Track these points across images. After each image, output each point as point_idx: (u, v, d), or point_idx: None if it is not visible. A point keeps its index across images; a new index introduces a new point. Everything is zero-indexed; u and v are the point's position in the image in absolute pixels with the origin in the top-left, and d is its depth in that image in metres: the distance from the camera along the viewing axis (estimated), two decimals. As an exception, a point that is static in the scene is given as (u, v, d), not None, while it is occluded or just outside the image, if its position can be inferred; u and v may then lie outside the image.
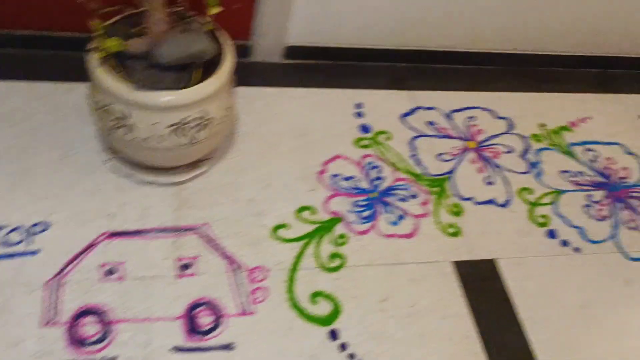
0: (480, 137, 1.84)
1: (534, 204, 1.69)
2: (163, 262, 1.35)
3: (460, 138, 1.82)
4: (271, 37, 1.83)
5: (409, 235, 1.54)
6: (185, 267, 1.35)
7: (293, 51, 1.89)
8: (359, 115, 1.81)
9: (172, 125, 1.28)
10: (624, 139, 1.95)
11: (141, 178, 1.46)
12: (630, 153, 1.91)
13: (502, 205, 1.67)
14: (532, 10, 1.93)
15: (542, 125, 1.92)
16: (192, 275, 1.34)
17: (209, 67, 1.31)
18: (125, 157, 1.46)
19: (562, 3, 1.92)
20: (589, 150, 1.89)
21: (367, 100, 1.86)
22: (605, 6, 1.96)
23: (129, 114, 1.27)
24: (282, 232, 1.47)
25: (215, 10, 1.28)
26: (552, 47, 2.07)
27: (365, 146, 1.73)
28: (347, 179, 1.63)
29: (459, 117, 1.89)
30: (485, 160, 1.78)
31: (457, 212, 1.62)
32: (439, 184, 1.68)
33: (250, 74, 1.84)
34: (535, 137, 1.89)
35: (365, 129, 1.77)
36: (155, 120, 1.27)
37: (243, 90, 1.75)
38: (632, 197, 1.78)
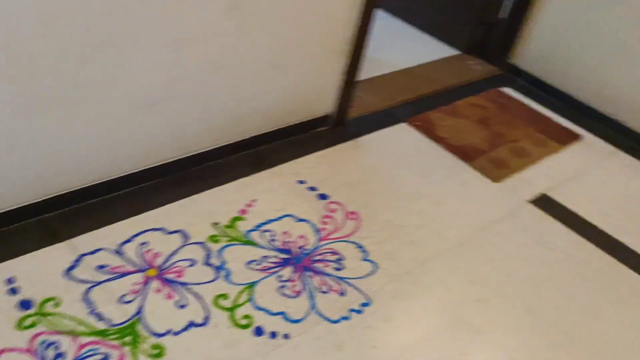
0: (159, 261, 1.74)
1: (232, 309, 1.65)
2: None
3: (138, 270, 1.70)
4: None
5: (112, 408, 1.35)
6: None
7: None
8: (14, 291, 1.56)
9: None
10: (291, 208, 2.05)
11: None
12: (301, 220, 2.01)
13: (203, 324, 1.59)
14: (162, 120, 1.92)
15: (216, 224, 1.92)
16: None
17: None
18: None
19: (190, 104, 1.96)
20: (265, 231, 1.94)
21: (20, 270, 1.62)
22: (230, 94, 2.06)
23: None
24: None
25: None
26: (197, 146, 2.10)
27: (32, 325, 1.49)
28: (19, 374, 1.37)
29: (131, 248, 1.76)
30: (171, 283, 1.68)
31: (158, 354, 1.49)
32: (129, 331, 1.53)
33: None
34: (213, 238, 1.86)
35: (25, 304, 1.53)
36: None
37: None
38: (315, 261, 1.86)
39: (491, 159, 2.53)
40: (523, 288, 1.94)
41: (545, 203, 2.34)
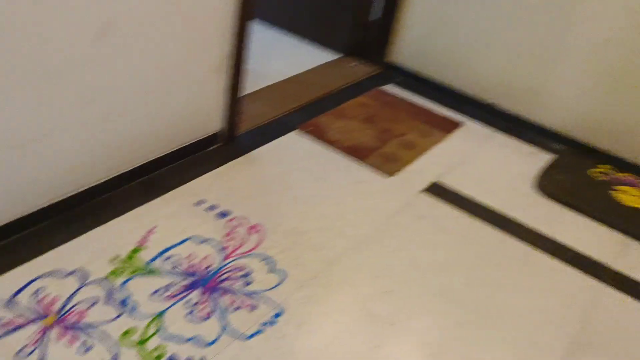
0: (57, 306, 1.66)
1: (142, 342, 1.60)
2: None
3: (34, 320, 1.61)
4: None
5: None
6: None
7: None
8: None
9: None
10: (192, 230, 2.02)
11: None
12: (203, 241, 1.99)
13: (112, 364, 1.53)
14: (43, 158, 1.84)
15: (115, 258, 1.85)
16: None
17: None
18: None
19: (71, 138, 1.88)
20: (168, 258, 1.89)
21: None
22: (111, 123, 2.00)
23: None
24: None
25: None
26: (86, 181, 2.02)
27: None
28: None
29: (24, 298, 1.67)
30: (73, 328, 1.61)
31: (67, 403, 1.42)
32: (33, 385, 1.44)
33: None
34: (114, 273, 1.80)
35: None
36: None
37: None
38: (223, 280, 1.84)
39: (382, 154, 2.62)
40: (427, 274, 2.02)
41: (437, 190, 2.45)
